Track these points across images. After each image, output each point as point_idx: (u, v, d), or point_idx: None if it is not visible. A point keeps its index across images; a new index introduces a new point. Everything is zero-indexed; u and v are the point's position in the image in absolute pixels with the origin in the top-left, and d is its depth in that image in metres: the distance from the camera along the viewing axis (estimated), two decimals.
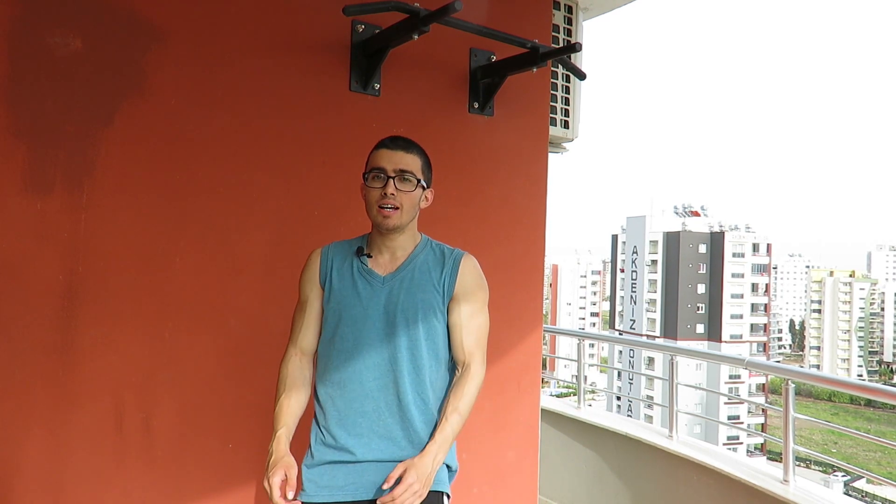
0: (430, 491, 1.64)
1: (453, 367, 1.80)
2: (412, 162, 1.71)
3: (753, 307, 60.54)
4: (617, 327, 64.62)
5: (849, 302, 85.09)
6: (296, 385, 1.76)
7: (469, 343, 1.75)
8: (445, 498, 1.71)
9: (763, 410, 57.28)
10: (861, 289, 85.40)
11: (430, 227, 1.94)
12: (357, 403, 1.69)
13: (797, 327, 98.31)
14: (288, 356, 1.80)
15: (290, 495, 1.57)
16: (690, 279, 59.14)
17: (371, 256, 1.76)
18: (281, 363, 1.80)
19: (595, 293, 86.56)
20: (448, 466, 1.75)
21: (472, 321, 1.76)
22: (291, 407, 1.73)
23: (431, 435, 1.69)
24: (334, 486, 1.67)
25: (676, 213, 63.12)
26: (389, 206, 1.67)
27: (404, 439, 1.69)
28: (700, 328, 58.76)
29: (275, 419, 1.71)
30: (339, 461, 1.69)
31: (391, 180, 1.67)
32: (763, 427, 52.97)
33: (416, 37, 2.24)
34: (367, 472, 1.68)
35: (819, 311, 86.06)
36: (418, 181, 1.71)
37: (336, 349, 1.72)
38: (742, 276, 59.93)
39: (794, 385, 3.21)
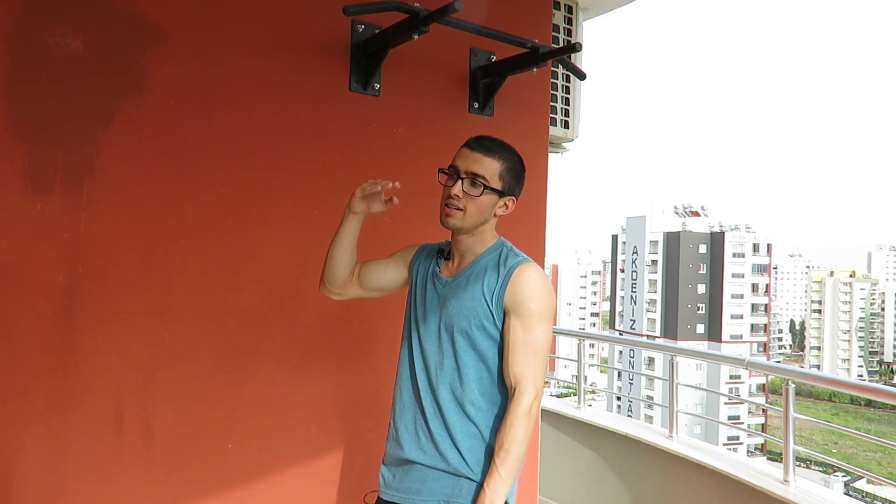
0: None
1: None
2: (488, 166, 1.65)
3: (753, 307, 60.48)
4: (617, 327, 64.59)
5: (849, 302, 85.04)
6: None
7: (517, 365, 1.62)
8: None
9: (763, 410, 57.24)
10: (861, 289, 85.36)
11: (430, 227, 1.94)
12: (410, 401, 1.73)
13: (797, 327, 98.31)
14: None
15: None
16: (690, 279, 59.09)
17: (448, 259, 1.78)
18: None
19: (595, 293, 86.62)
20: None
21: (520, 338, 1.63)
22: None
23: (483, 480, 1.60)
24: (391, 486, 1.74)
25: (676, 214, 63.03)
26: (453, 206, 1.66)
27: (444, 445, 1.66)
28: (700, 328, 58.70)
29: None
30: (395, 456, 1.74)
31: (460, 181, 1.65)
32: (763, 427, 52.94)
33: (416, 37, 2.24)
34: (411, 473, 1.70)
35: (819, 312, 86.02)
36: (487, 187, 1.65)
37: (405, 346, 1.79)
38: (742, 276, 59.86)
39: (794, 385, 3.20)
